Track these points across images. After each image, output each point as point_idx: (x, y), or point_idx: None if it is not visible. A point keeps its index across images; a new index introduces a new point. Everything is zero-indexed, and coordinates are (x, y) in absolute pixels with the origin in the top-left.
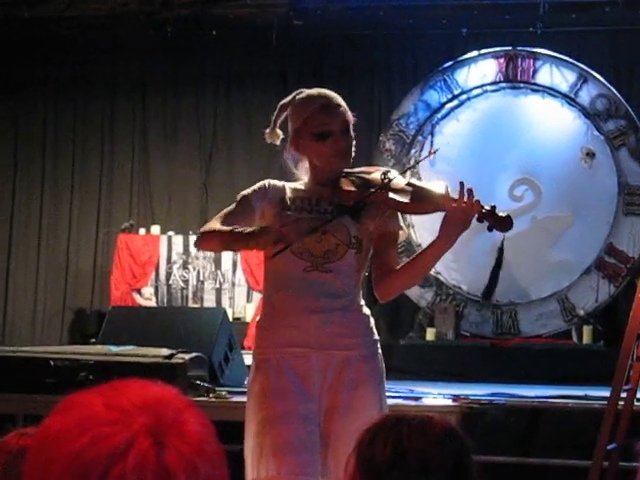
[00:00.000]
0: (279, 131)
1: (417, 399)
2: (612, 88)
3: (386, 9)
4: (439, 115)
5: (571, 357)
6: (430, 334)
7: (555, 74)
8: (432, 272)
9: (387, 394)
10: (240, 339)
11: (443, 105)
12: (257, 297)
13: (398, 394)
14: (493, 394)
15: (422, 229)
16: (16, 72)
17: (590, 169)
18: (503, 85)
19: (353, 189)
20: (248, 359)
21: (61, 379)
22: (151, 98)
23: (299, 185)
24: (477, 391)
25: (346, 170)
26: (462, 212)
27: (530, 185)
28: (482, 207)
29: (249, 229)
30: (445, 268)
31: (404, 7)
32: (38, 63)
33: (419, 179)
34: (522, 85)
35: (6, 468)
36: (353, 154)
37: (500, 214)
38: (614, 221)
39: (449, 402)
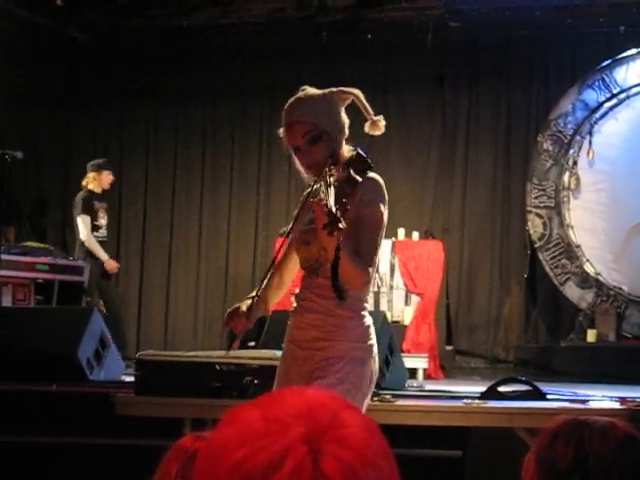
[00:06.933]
0: None
1: (583, 402)
2: None
3: (543, 8)
4: (597, 114)
5: None
6: (591, 336)
7: None
8: (592, 273)
9: (552, 397)
10: (399, 342)
11: (601, 104)
12: (415, 300)
13: (563, 397)
14: None
15: (581, 230)
16: (173, 79)
17: None
18: None
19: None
20: (408, 362)
21: (227, 383)
22: None
23: None
24: None
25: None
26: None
27: None
28: (326, 208)
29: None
30: (606, 269)
31: (561, 6)
32: (194, 70)
33: (577, 179)
34: None
35: (183, 467)
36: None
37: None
38: None
39: (616, 405)
